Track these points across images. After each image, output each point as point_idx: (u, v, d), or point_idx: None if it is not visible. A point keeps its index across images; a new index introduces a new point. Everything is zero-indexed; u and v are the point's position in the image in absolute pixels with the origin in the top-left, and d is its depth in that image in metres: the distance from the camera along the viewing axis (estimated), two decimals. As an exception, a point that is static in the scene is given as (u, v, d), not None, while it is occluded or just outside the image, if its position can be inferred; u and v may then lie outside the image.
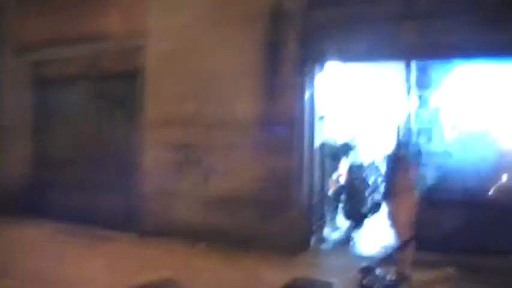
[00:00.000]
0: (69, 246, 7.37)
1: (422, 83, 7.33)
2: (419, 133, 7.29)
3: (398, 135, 6.44)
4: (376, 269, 2.53)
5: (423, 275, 2.46)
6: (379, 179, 8.77)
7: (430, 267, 5.41)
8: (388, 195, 6.24)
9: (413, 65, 7.20)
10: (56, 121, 9.67)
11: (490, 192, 6.83)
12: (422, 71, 7.31)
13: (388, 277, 2.48)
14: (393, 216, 6.12)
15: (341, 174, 8.68)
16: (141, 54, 8.31)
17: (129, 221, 8.12)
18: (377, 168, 9.12)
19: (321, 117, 7.86)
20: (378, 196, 8.56)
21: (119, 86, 8.83)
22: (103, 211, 8.56)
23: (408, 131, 6.98)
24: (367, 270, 2.48)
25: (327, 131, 8.16)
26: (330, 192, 8.52)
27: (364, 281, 2.44)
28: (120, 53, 8.66)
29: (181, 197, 7.90)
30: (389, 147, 6.66)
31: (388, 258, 4.83)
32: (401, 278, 2.47)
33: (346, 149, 8.73)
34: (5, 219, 8.68)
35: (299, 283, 2.54)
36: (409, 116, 7.17)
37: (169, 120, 8.03)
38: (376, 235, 8.02)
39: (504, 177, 7.01)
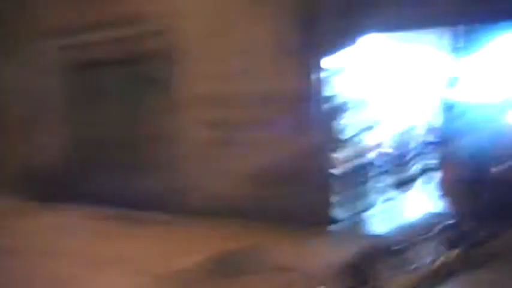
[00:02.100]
0: (108, 229, 7.40)
1: (465, 50, 7.18)
2: (462, 103, 7.15)
3: (442, 107, 6.36)
4: (461, 226, 2.45)
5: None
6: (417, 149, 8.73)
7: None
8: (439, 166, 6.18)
9: (455, 31, 7.06)
10: (91, 104, 9.59)
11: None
12: (465, 37, 7.16)
13: (478, 233, 2.39)
14: (446, 187, 6.05)
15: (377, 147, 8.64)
16: (174, 34, 8.23)
17: (169, 201, 8.08)
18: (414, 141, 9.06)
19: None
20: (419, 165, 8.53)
21: (153, 67, 8.72)
22: (142, 193, 8.50)
23: (452, 102, 6.86)
24: (452, 227, 2.40)
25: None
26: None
27: (452, 238, 2.36)
28: (152, 33, 8.54)
29: (219, 174, 7.87)
30: (434, 119, 6.58)
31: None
32: (491, 234, 2.39)
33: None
34: (41, 203, 8.80)
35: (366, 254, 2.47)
36: (453, 84, 7.05)
37: (205, 99, 7.98)
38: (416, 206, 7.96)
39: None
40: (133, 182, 8.73)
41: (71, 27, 9.31)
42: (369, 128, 8.67)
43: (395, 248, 2.83)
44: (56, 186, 9.33)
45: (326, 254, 5.19)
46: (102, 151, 9.38)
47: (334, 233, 6.68)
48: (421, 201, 8.12)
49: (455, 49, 7.06)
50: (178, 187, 8.17)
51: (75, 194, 9.08)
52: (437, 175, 6.39)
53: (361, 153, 8.40)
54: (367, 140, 8.61)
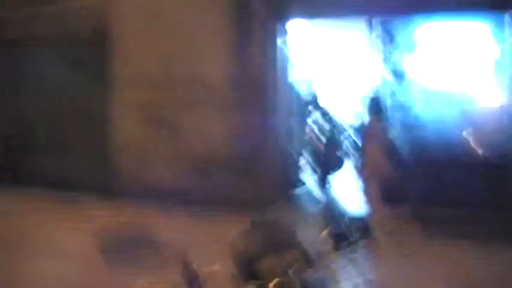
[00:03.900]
0: (40, 212, 7.30)
1: (387, 41, 7.41)
2: (385, 91, 7.42)
3: (365, 94, 6.63)
4: (342, 226, 2.65)
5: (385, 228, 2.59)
6: (346, 134, 8.98)
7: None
8: (359, 151, 6.47)
9: (377, 22, 7.27)
10: (24, 85, 9.40)
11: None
12: (386, 29, 7.38)
13: (354, 233, 2.59)
14: (364, 171, 6.36)
15: (310, 130, 8.81)
16: (107, 13, 8.16)
17: (100, 184, 8.06)
18: (343, 124, 9.30)
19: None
20: (343, 151, 8.78)
21: (86, 47, 8.59)
22: (74, 174, 8.52)
23: (375, 89, 7.11)
24: (332, 223, 2.59)
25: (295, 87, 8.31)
26: (305, 147, 8.70)
27: (331, 236, 2.55)
28: (85, 13, 8.44)
29: (151, 158, 7.94)
30: (357, 105, 6.84)
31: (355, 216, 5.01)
32: (366, 231, 2.60)
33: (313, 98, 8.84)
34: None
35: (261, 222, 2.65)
36: (375, 73, 7.30)
37: (137, 81, 7.99)
38: (345, 189, 8.23)
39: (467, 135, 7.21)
40: (67, 163, 8.71)
41: (4, 4, 9.07)
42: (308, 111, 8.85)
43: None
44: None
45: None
46: (36, 132, 9.28)
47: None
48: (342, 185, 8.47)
49: (381, 38, 7.29)
50: (110, 169, 8.17)
51: (8, 175, 8.95)
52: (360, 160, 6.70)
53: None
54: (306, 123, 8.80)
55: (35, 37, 9.07)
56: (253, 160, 7.38)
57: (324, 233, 2.73)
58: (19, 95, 9.49)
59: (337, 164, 8.86)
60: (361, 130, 6.80)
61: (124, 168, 8.11)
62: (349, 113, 9.35)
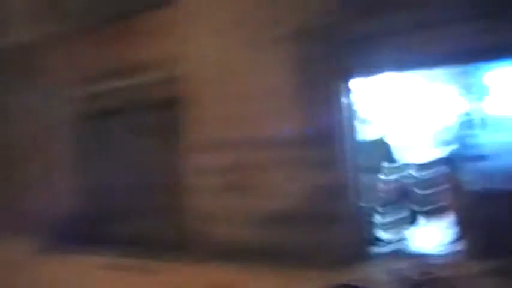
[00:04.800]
0: (118, 278, 7.41)
1: (465, 88, 7.29)
2: (466, 136, 7.23)
3: (446, 141, 6.48)
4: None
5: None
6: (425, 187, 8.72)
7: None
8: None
9: (453, 71, 7.16)
10: (102, 153, 9.79)
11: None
12: (463, 77, 7.28)
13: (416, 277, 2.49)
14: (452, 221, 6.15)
15: (384, 186, 8.62)
16: (181, 81, 8.45)
17: (179, 248, 8.13)
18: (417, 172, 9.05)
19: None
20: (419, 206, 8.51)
21: (163, 115, 8.90)
22: (152, 239, 8.62)
23: (456, 135, 6.96)
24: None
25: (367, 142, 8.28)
26: (378, 203, 8.52)
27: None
28: (161, 81, 8.75)
29: (229, 219, 7.94)
30: (438, 153, 6.68)
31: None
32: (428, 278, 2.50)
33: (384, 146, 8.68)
34: (52, 251, 8.89)
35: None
36: (455, 120, 7.15)
37: (212, 145, 8.13)
38: (425, 244, 7.91)
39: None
40: (146, 227, 8.85)
41: (81, 77, 9.65)
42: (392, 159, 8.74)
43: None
44: (67, 233, 9.43)
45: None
46: (115, 198, 9.52)
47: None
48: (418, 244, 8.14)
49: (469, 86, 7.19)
50: (191, 233, 8.23)
51: (86, 241, 9.13)
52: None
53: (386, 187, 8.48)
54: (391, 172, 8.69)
55: (111, 108, 9.49)
56: (328, 218, 7.23)
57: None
58: (98, 162, 9.86)
59: (413, 220, 8.63)
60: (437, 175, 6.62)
61: (201, 230, 8.13)
62: (424, 158, 9.06)
